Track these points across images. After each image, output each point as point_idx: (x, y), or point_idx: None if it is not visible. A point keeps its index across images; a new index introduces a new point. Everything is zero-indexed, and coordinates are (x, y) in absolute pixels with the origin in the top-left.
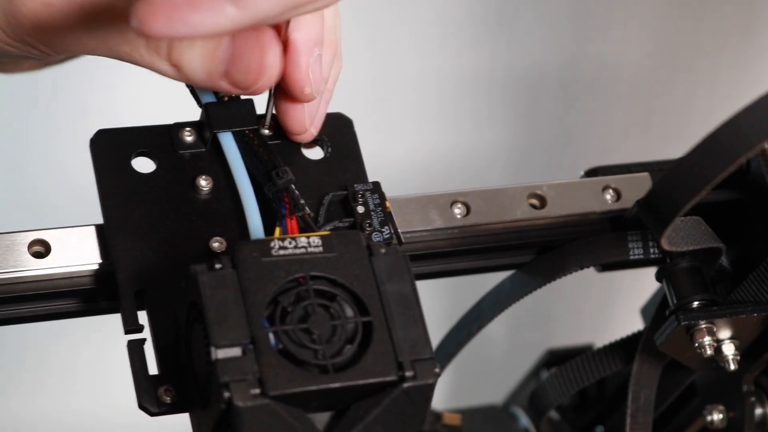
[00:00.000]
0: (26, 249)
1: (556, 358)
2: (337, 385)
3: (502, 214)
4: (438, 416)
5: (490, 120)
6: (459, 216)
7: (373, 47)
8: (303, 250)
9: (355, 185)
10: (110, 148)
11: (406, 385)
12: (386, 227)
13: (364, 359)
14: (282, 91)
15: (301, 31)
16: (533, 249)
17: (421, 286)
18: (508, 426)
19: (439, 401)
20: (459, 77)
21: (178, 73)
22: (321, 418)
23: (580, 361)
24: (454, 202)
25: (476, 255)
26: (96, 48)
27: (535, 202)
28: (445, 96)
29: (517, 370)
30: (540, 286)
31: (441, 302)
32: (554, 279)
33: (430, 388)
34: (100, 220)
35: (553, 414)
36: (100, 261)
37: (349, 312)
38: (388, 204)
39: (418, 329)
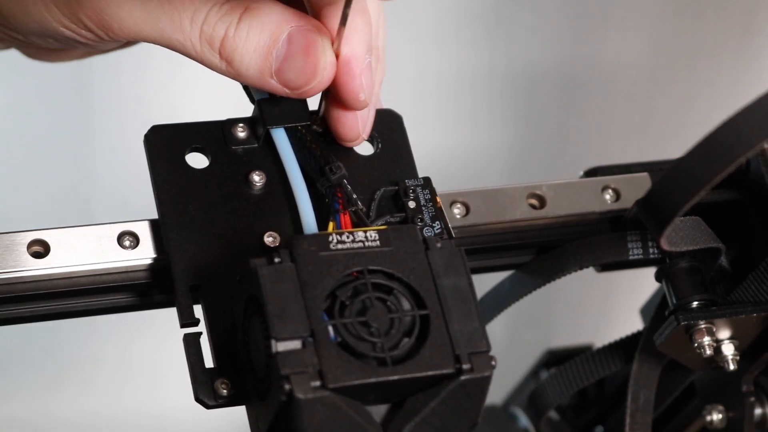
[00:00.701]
0: (25, 249)
1: (556, 358)
2: (395, 377)
3: (502, 214)
4: None
5: (490, 120)
6: (458, 216)
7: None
8: (360, 245)
9: (406, 180)
10: (164, 144)
11: (463, 377)
12: (437, 222)
13: (422, 352)
14: (334, 101)
15: (353, 39)
16: (533, 249)
17: None
18: (508, 426)
19: None
20: (458, 77)
21: (229, 68)
22: (378, 411)
23: (580, 361)
24: (453, 202)
25: (476, 255)
26: (150, 34)
27: (534, 202)
28: (444, 96)
29: (516, 370)
30: (539, 286)
31: None
32: (554, 279)
33: (486, 381)
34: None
35: (553, 414)
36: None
37: (407, 305)
38: (438, 199)
39: (474, 322)
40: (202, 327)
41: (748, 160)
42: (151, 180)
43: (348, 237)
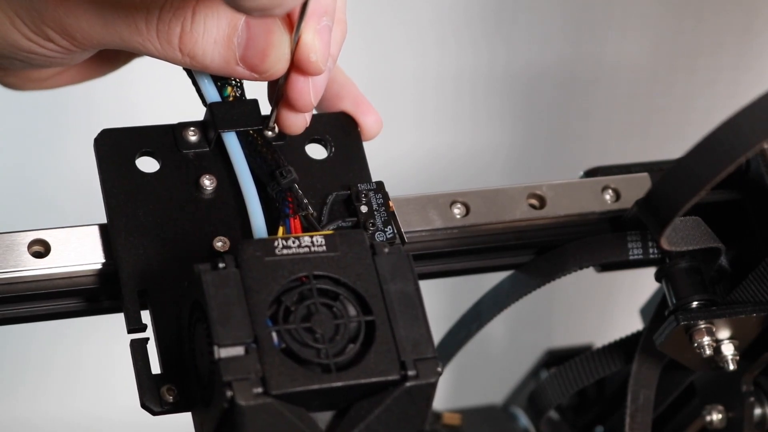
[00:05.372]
0: (26, 249)
1: (556, 358)
2: (339, 384)
3: (502, 215)
4: (438, 416)
5: (490, 120)
6: (458, 216)
7: (371, 47)
8: (306, 250)
9: (359, 185)
10: (114, 148)
11: (408, 384)
12: (389, 227)
13: (367, 358)
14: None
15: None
16: (533, 249)
17: (421, 286)
18: (508, 426)
19: (439, 401)
20: (458, 77)
21: (194, 62)
22: (323, 417)
23: (580, 361)
24: (453, 202)
25: (476, 255)
26: (111, 40)
27: (534, 202)
28: (444, 96)
29: (516, 370)
30: (539, 286)
31: (440, 302)
32: (554, 279)
33: (432, 387)
34: (101, 220)
35: (553, 414)
36: (103, 260)
37: (352, 311)
38: (391, 203)
39: (420, 328)
40: (150, 332)
41: (748, 160)
42: (101, 184)
43: (294, 242)
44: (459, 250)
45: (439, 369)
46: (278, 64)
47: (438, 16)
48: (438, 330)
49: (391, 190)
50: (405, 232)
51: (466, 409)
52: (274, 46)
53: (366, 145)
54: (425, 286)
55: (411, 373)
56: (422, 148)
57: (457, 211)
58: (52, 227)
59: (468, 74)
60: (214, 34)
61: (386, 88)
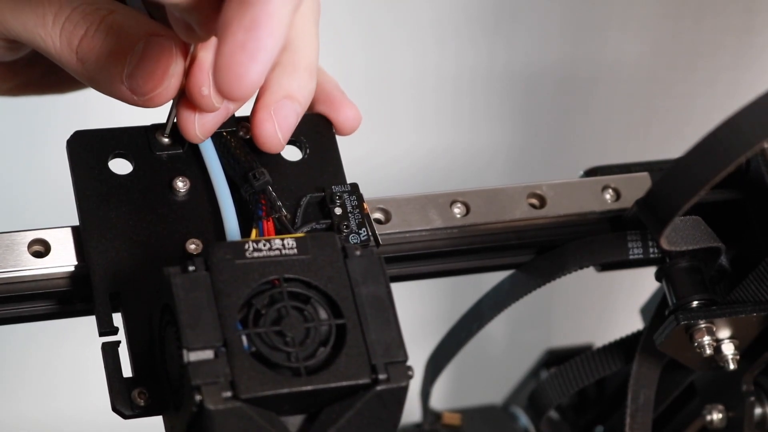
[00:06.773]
0: (26, 248)
1: (556, 358)
2: (309, 387)
3: (502, 214)
4: (438, 416)
5: (490, 120)
6: (458, 216)
7: (371, 47)
8: (277, 252)
9: (333, 187)
10: (87, 150)
11: (379, 388)
12: (363, 229)
13: (338, 362)
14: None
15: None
16: (533, 249)
17: (421, 285)
18: (508, 426)
19: (439, 401)
20: (458, 77)
21: (84, 70)
22: (294, 421)
23: (580, 361)
24: (453, 202)
25: (476, 255)
26: (14, 26)
27: (534, 201)
28: (444, 95)
29: (516, 370)
30: (539, 286)
31: (441, 302)
32: (554, 279)
33: (403, 391)
34: (75, 222)
35: (553, 414)
36: (75, 263)
37: (323, 314)
38: (365, 205)
39: (392, 332)
40: (122, 335)
41: (748, 159)
42: (73, 186)
43: (264, 245)
44: (459, 250)
45: (410, 373)
46: (159, 89)
47: (438, 16)
48: (439, 330)
49: (391, 189)
50: (405, 232)
51: (466, 409)
52: (161, 70)
53: (365, 145)
54: (426, 286)
55: (382, 376)
56: (422, 148)
57: (457, 210)
58: (52, 227)
59: (468, 74)
60: (112, 46)
61: (386, 88)
